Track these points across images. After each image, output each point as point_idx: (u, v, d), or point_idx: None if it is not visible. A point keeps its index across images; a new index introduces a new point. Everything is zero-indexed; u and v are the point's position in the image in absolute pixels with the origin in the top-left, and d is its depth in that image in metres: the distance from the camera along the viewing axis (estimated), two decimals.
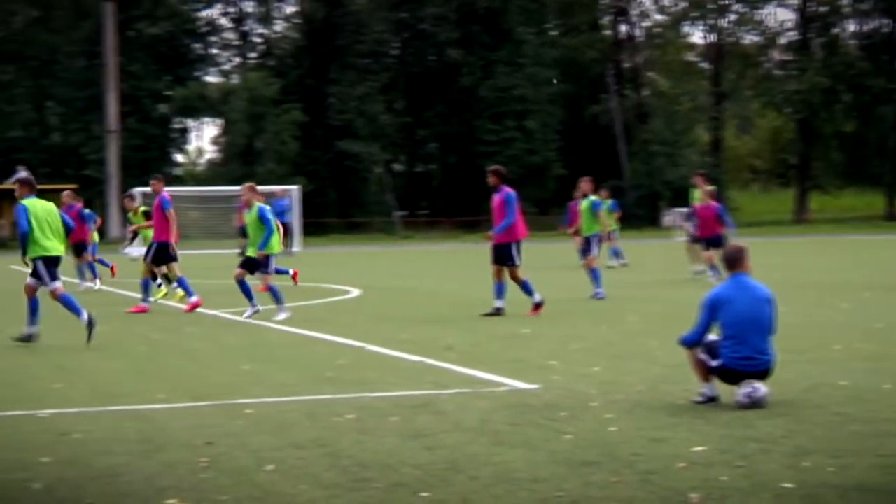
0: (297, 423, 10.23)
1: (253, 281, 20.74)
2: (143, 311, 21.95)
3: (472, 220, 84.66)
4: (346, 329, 18.15)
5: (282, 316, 19.93)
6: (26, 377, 13.32)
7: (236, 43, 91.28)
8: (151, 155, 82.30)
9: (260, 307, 20.30)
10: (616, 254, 35.71)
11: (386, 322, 19.43)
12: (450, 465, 8.50)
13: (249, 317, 20.10)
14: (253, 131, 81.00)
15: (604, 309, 21.18)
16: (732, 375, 10.59)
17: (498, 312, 19.76)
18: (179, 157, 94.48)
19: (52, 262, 16.79)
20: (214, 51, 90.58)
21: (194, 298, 21.88)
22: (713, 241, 25.81)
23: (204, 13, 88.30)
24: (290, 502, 7.55)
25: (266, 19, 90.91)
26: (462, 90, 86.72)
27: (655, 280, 27.50)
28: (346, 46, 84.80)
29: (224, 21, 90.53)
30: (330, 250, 59.67)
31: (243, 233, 46.48)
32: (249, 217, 20.84)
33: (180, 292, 22.98)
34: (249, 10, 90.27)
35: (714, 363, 10.65)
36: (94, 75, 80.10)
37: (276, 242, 20.94)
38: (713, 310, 10.71)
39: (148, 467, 8.58)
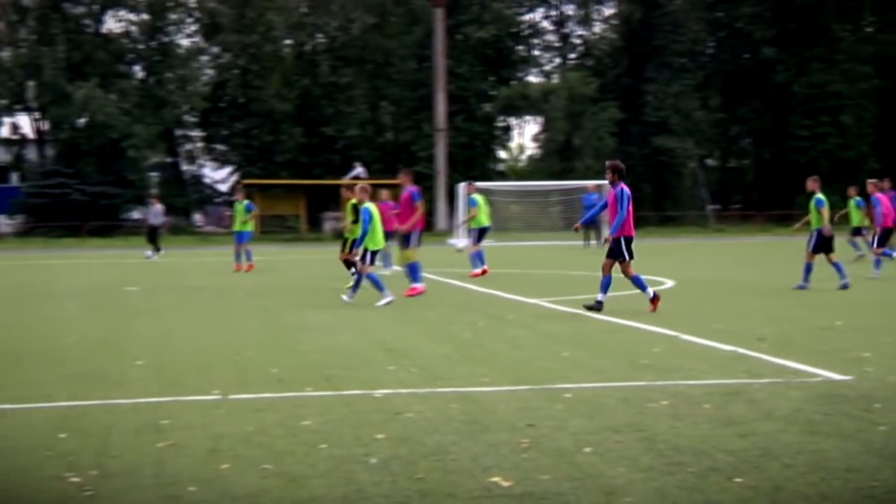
0: (613, 408, 10.23)
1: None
2: (420, 292, 23.22)
3: (785, 214, 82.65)
4: (661, 318, 18.02)
5: (385, 300, 21.08)
6: (362, 360, 13.69)
7: (557, 44, 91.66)
8: (477, 151, 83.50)
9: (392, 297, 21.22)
10: (855, 246, 35.02)
11: (699, 312, 19.21)
12: (763, 452, 8.35)
13: (383, 305, 21.00)
14: (571, 128, 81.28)
15: None
16: None
17: (599, 307, 19.34)
18: (502, 154, 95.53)
19: None
20: (536, 52, 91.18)
21: (419, 285, 23.38)
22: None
23: (527, 17, 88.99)
24: (608, 483, 7.55)
25: (586, 21, 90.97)
26: (776, 87, 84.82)
27: None
28: (662, 46, 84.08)
29: (546, 24, 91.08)
30: (645, 243, 59.19)
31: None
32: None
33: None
34: (570, 13, 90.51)
35: None
36: (424, 77, 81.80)
37: (376, 239, 21.83)
38: None
39: (474, 446, 8.72)
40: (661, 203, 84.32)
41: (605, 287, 19.69)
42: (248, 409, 10.44)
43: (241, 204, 35.27)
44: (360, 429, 9.43)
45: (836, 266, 23.41)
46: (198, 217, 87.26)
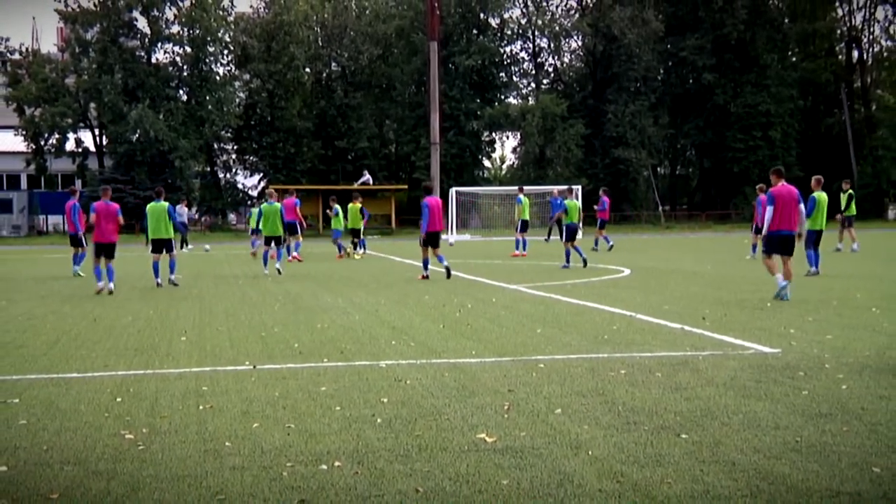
0: (579, 376, 10.22)
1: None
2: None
3: (724, 214, 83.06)
4: (620, 301, 18.02)
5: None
6: (369, 336, 13.68)
7: (532, 72, 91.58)
8: (465, 161, 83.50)
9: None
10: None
11: (652, 296, 19.19)
12: (705, 412, 8.35)
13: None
14: (545, 142, 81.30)
15: (836, 287, 20.37)
16: None
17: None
18: (487, 163, 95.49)
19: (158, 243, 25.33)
20: (515, 78, 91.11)
21: None
22: None
23: (507, 49, 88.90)
24: (575, 439, 7.55)
25: (556, 52, 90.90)
26: (716, 107, 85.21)
27: (881, 263, 26.25)
28: (620, 73, 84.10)
29: (523, 54, 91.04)
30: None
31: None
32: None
33: None
34: (543, 45, 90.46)
35: None
36: (421, 99, 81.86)
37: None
38: None
39: (463, 408, 8.71)
40: (620, 204, 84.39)
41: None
42: (274, 378, 10.43)
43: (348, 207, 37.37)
44: (368, 394, 9.43)
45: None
46: (232, 216, 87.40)
